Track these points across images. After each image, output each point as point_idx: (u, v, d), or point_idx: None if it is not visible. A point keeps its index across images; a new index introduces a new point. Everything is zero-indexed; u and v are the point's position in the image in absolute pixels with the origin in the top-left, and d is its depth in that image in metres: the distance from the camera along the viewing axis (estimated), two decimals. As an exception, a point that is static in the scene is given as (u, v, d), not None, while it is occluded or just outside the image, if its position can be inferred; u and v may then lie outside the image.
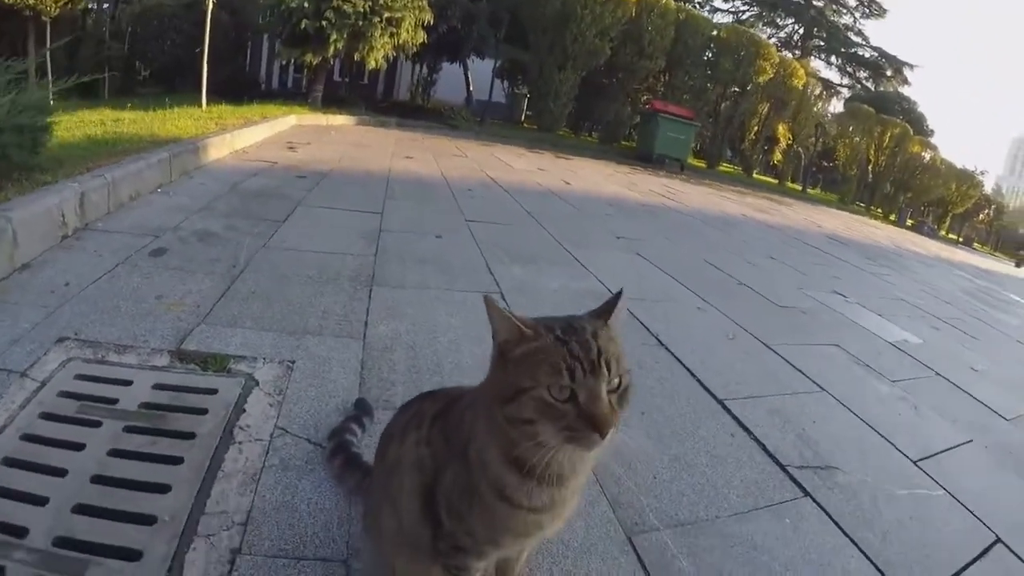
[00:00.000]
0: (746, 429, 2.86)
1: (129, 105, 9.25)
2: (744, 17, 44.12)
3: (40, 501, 1.74)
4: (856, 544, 2.19)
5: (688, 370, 3.39)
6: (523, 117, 26.13)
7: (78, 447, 1.98)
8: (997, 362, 5.32)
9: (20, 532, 1.63)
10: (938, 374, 4.35)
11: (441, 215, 6.23)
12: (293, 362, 2.73)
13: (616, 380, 1.01)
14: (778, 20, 44.94)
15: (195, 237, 4.15)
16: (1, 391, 2.22)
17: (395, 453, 1.42)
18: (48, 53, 10.59)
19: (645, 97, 25.34)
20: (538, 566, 1.78)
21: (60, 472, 1.86)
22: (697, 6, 36.04)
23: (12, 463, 1.88)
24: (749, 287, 5.73)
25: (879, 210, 29.79)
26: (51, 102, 4.91)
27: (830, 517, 2.32)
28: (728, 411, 3.00)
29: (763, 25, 43.74)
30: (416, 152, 11.30)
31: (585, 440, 0.98)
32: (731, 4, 45.40)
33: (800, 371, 3.75)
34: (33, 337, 2.59)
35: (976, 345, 5.78)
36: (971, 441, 3.37)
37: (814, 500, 2.40)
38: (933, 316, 6.44)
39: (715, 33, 25.31)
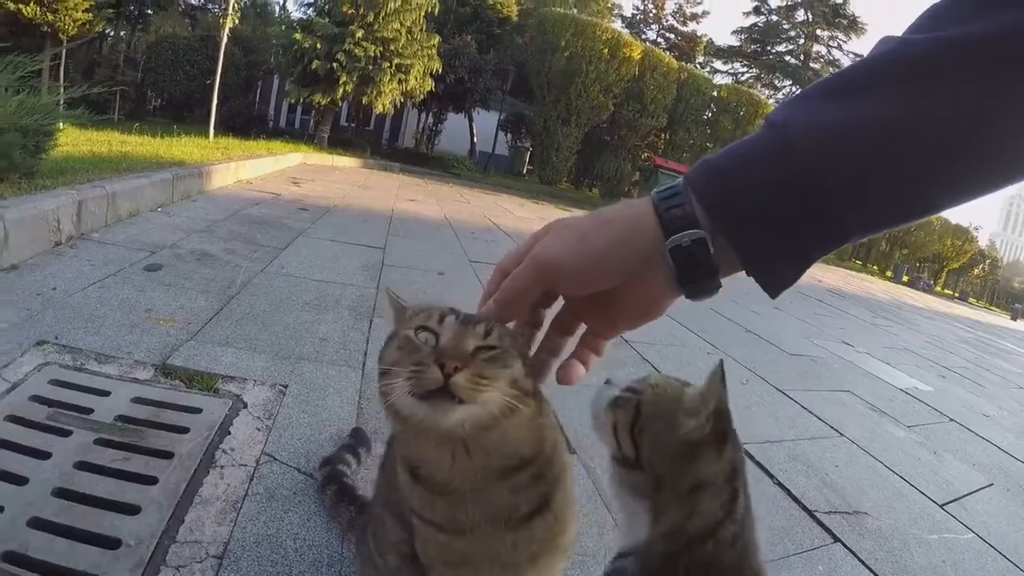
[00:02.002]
0: (769, 474, 2.74)
1: (137, 128, 9.22)
2: (743, 78, 44.89)
3: None
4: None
5: (704, 415, 3.27)
6: (525, 170, 26.26)
7: (43, 455, 1.78)
8: (1005, 408, 5.39)
9: None
10: (951, 419, 4.33)
11: (444, 254, 6.11)
12: (286, 386, 2.53)
13: (488, 341, 0.85)
14: (776, 82, 45.76)
15: (192, 256, 4.00)
16: None
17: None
18: (63, 72, 10.62)
19: (646, 154, 25.54)
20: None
21: (20, 480, 1.67)
22: (698, 66, 36.58)
23: None
24: (756, 335, 5.69)
25: (875, 266, 29.94)
26: (60, 109, 4.82)
27: (863, 563, 2.20)
28: (749, 455, 2.87)
29: (761, 86, 44.46)
30: (420, 196, 11.27)
31: (426, 377, 0.79)
32: (730, 66, 46.37)
33: (816, 416, 3.67)
34: (9, 337, 2.43)
35: (983, 392, 5.83)
36: (992, 484, 3.33)
37: (845, 546, 2.29)
38: (939, 365, 6.44)
39: (715, 93, 25.66)
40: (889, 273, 28.85)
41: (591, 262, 0.72)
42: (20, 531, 1.51)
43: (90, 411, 2.05)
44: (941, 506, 2.84)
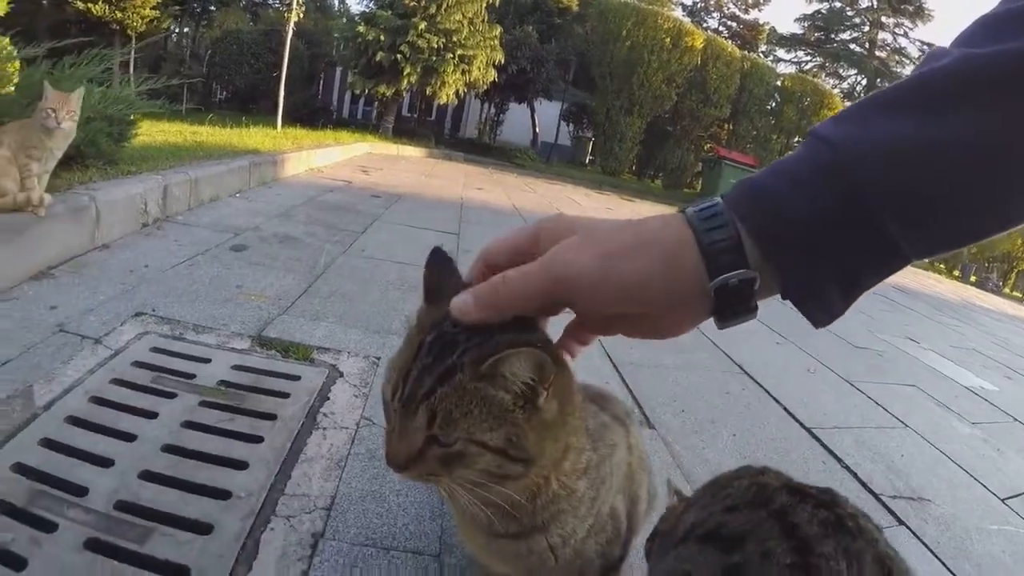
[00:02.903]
0: (837, 457, 2.72)
1: (210, 119, 9.42)
2: (807, 67, 43.99)
3: (105, 463, 1.59)
4: (953, 574, 2.07)
5: (774, 398, 3.28)
6: (587, 160, 26.13)
7: (151, 415, 1.83)
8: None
9: (79, 491, 1.49)
10: (1016, 420, 4.17)
11: (515, 241, 6.09)
12: (379, 358, 2.59)
13: (443, 437, 0.74)
14: (840, 71, 44.73)
15: (275, 239, 4.06)
16: (72, 353, 2.11)
17: None
18: (132, 66, 10.89)
19: (709, 144, 25.20)
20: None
21: (129, 437, 1.72)
22: (760, 55, 35.88)
23: (77, 422, 1.74)
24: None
25: (942, 265, 29.15)
26: (140, 100, 4.93)
27: (926, 546, 2.19)
28: (817, 439, 2.88)
29: (826, 76, 43.48)
30: (486, 185, 11.28)
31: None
32: (793, 54, 45.37)
33: (882, 407, 3.60)
34: (109, 309, 2.50)
35: (1051, 396, 5.55)
36: (1055, 485, 3.24)
37: (909, 529, 2.27)
38: (1006, 366, 6.17)
39: (779, 82, 25.11)
40: (957, 272, 28.01)
41: (618, 293, 0.63)
42: (131, 483, 1.55)
43: (192, 376, 2.09)
44: (1003, 500, 2.77)
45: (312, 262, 3.69)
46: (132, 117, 4.54)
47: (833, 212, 0.57)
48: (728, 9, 43.76)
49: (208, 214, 4.38)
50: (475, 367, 0.70)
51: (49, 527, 1.37)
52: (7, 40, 3.44)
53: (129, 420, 1.79)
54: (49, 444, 1.64)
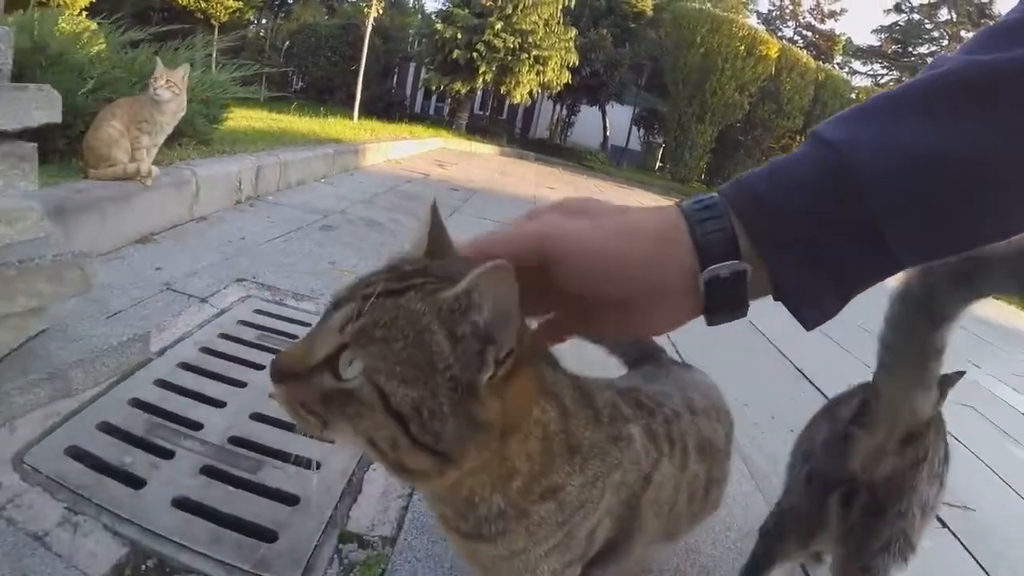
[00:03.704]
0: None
1: (291, 109, 9.64)
2: (883, 80, 43.00)
3: (217, 404, 1.74)
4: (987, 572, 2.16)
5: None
6: (657, 166, 25.99)
7: (258, 367, 1.96)
8: None
9: (194, 426, 1.63)
10: None
11: (585, 237, 6.17)
12: None
13: (345, 357, 0.60)
14: (917, 85, 43.61)
15: (362, 222, 4.19)
16: (181, 309, 2.27)
17: None
18: (214, 55, 11.23)
19: (780, 156, 24.83)
20: None
21: (239, 384, 1.86)
22: (836, 66, 35.18)
23: (189, 368, 1.89)
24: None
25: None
26: (235, 86, 5.15)
27: (965, 547, 2.27)
28: None
29: (902, 90, 42.44)
30: (557, 184, 11.34)
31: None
32: (869, 67, 44.34)
33: None
34: (211, 273, 2.65)
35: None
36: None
37: (951, 531, 2.34)
38: None
39: (853, 95, 24.48)
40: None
41: (604, 266, 0.60)
42: (243, 422, 1.69)
43: (295, 336, 2.20)
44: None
45: (399, 246, 3.80)
46: (227, 101, 4.74)
47: (830, 212, 0.57)
48: (804, 18, 43.02)
49: (296, 196, 4.55)
50: (438, 284, 0.60)
51: (166, 454, 1.52)
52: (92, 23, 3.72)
53: (239, 370, 1.93)
54: (164, 384, 1.79)
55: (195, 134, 4.15)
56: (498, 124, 22.98)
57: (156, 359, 1.90)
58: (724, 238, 0.58)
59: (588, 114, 24.84)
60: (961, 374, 1.44)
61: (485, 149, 15.85)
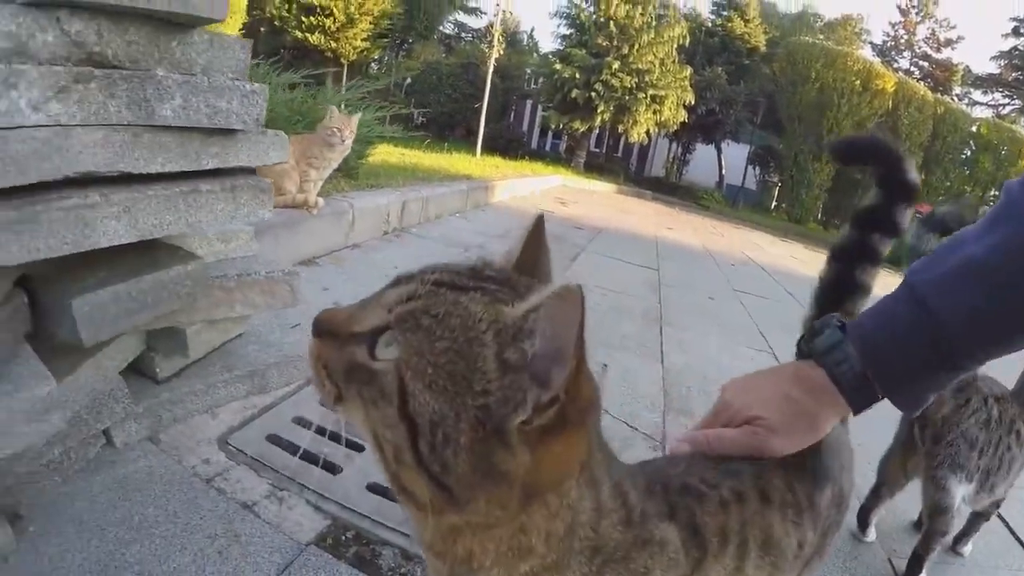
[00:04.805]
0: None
1: (423, 146, 10.08)
2: (1005, 111, 40.61)
3: None
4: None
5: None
6: (772, 206, 25.54)
7: None
8: None
9: None
10: None
11: (709, 281, 6.25)
12: (605, 365, 2.93)
13: (386, 339, 0.55)
14: (1044, 115, 40.98)
15: (500, 258, 4.38)
16: None
17: None
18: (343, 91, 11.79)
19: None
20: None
21: None
22: (955, 97, 33.69)
23: None
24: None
25: None
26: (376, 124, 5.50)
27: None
28: None
29: (1025, 121, 39.93)
30: (675, 225, 11.41)
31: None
32: (990, 96, 42.06)
33: None
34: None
35: None
36: None
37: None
38: None
39: (974, 128, 23.28)
40: None
41: (809, 439, 0.84)
42: None
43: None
44: None
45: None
46: (373, 138, 5.08)
47: (923, 358, 0.78)
48: (919, 48, 41.32)
49: (436, 229, 4.83)
50: (509, 296, 0.55)
51: (358, 447, 1.74)
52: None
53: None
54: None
55: (345, 168, 4.43)
56: (614, 162, 23.17)
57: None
58: (855, 377, 0.81)
59: (703, 152, 24.73)
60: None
61: (602, 187, 16.06)
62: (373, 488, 1.63)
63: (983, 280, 0.73)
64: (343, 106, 4.73)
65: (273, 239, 2.92)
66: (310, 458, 1.72)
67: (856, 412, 0.84)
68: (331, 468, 1.67)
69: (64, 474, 1.43)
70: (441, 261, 0.59)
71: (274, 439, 1.77)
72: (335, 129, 3.35)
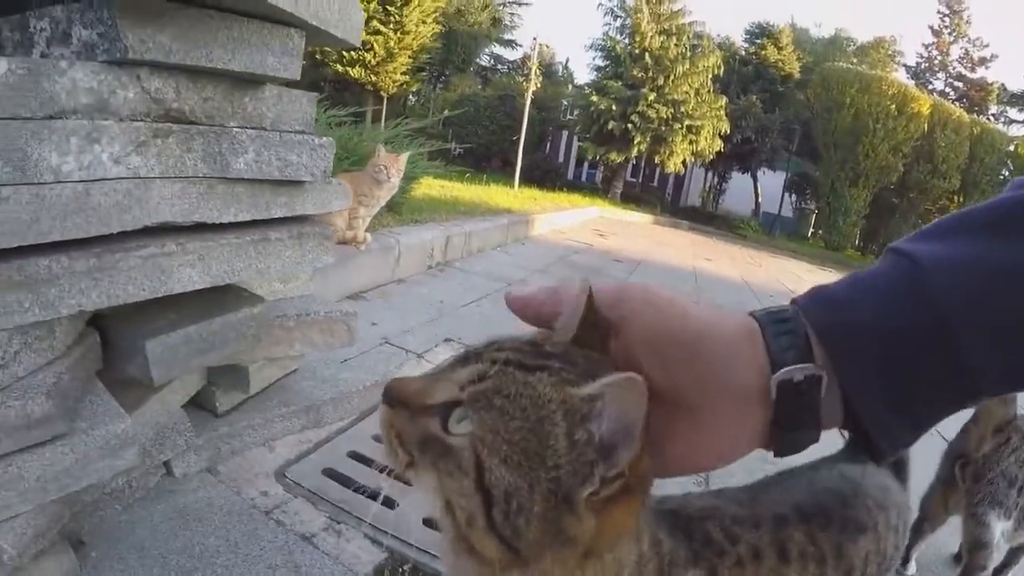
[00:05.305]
0: None
1: (464, 178, 10.21)
2: (1042, 129, 39.87)
3: None
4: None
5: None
6: (809, 232, 25.34)
7: None
8: None
9: None
10: None
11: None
12: None
13: (458, 414, 0.57)
14: (1081, 131, 40.23)
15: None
16: (402, 362, 2.61)
17: None
18: (383, 122, 11.94)
19: (937, 220, 23.44)
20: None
21: None
22: (991, 117, 33.13)
23: None
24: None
25: None
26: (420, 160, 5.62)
27: None
28: None
29: (1064, 137, 39.22)
30: (712, 255, 11.40)
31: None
32: (1025, 114, 41.27)
33: None
34: (422, 332, 2.98)
35: None
36: None
37: None
38: None
39: (1012, 147, 22.85)
40: None
41: (680, 338, 0.55)
42: None
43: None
44: None
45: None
46: (418, 173, 5.18)
47: (911, 330, 0.52)
48: (953, 69, 40.76)
49: (478, 263, 4.92)
50: (575, 377, 0.55)
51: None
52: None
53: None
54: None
55: (389, 203, 4.52)
56: (650, 191, 23.18)
57: (391, 404, 2.21)
58: (795, 341, 0.54)
59: (739, 181, 24.65)
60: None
61: (639, 217, 16.09)
62: (429, 523, 1.66)
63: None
64: (386, 143, 4.85)
65: (323, 275, 3.00)
66: (364, 492, 1.78)
67: (783, 411, 0.54)
68: (387, 502, 1.70)
69: (125, 502, 1.51)
70: (502, 334, 0.61)
71: (330, 473, 1.83)
72: (383, 167, 3.46)
